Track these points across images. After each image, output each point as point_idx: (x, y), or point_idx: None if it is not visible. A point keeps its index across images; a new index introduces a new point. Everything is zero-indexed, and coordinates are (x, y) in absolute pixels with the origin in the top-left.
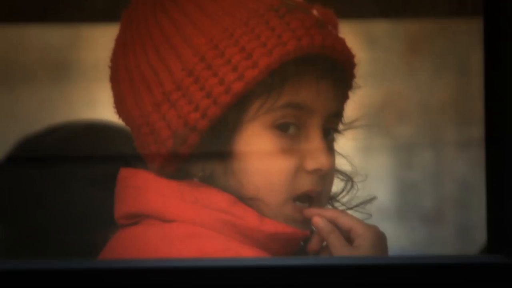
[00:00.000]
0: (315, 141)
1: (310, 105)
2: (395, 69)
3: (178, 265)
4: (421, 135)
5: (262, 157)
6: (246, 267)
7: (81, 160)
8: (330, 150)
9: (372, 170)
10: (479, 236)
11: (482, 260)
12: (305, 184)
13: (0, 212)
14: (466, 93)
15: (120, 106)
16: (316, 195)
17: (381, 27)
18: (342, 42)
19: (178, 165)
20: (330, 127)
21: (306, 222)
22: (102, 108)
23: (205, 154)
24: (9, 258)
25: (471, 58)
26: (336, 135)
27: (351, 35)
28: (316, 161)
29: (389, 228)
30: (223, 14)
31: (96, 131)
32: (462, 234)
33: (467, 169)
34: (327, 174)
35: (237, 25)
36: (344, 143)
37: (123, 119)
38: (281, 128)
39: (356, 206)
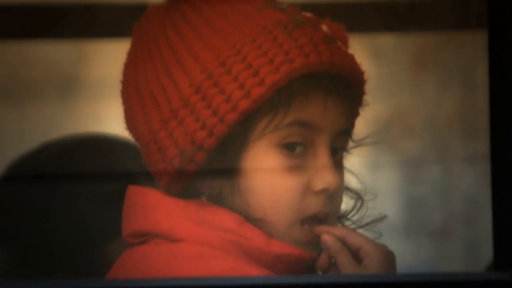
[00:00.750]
0: (322, 160)
1: (317, 123)
2: (401, 83)
3: (185, 284)
4: (428, 150)
5: (269, 176)
6: (253, 286)
7: (83, 177)
8: (338, 169)
9: (379, 186)
10: (486, 251)
11: (488, 277)
12: (313, 205)
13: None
14: (473, 107)
15: (129, 122)
16: (324, 216)
17: (386, 41)
18: (351, 58)
19: (185, 183)
20: (338, 146)
21: (314, 244)
22: (109, 124)
23: (212, 173)
24: (12, 279)
25: (477, 71)
26: (345, 153)
27: (357, 49)
28: (324, 181)
29: (396, 244)
30: (232, 29)
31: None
32: (470, 250)
33: (474, 184)
34: (335, 194)
35: (245, 41)
36: (353, 160)
37: (133, 135)
38: (288, 147)
39: (366, 225)
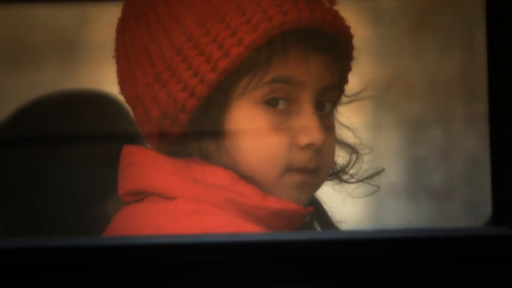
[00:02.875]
0: (306, 116)
1: (299, 78)
2: (401, 45)
3: (183, 241)
4: (428, 111)
5: (253, 134)
6: (252, 242)
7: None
8: (325, 123)
9: (380, 146)
10: (486, 210)
11: (487, 232)
12: (299, 160)
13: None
14: (472, 68)
15: (120, 86)
16: (312, 169)
17: (386, 3)
18: (334, 14)
19: (172, 145)
20: (326, 100)
21: (309, 189)
22: (108, 87)
23: (197, 133)
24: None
25: (476, 33)
26: (337, 108)
27: (357, 11)
28: (308, 136)
29: (397, 204)
30: None
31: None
32: (469, 208)
33: (473, 143)
34: (323, 148)
35: (224, 1)
36: (351, 116)
37: (124, 99)
38: (270, 103)
39: (365, 179)
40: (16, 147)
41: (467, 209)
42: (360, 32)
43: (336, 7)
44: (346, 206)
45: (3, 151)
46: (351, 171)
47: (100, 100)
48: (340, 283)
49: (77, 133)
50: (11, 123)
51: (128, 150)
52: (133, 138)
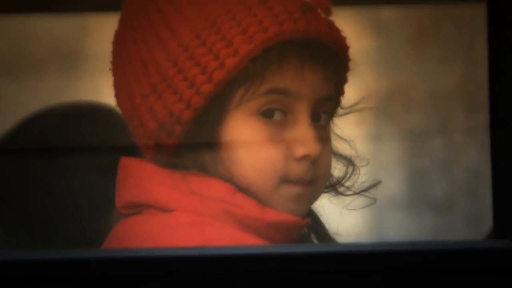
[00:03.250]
0: (302, 127)
1: (294, 90)
2: (402, 56)
3: (182, 253)
4: (429, 122)
5: (249, 145)
6: (252, 254)
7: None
8: (321, 134)
9: (381, 158)
10: (487, 222)
11: (488, 245)
12: (295, 172)
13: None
14: (473, 79)
15: (116, 98)
16: (308, 181)
17: (387, 14)
18: (329, 25)
19: (169, 157)
20: (322, 111)
21: (305, 198)
22: (109, 98)
23: (193, 145)
24: (13, 248)
25: (477, 43)
26: (334, 120)
27: (358, 21)
28: (304, 147)
29: (397, 216)
30: (207, 1)
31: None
32: (471, 220)
33: (474, 155)
34: (319, 160)
35: (220, 12)
36: (351, 128)
37: (121, 112)
38: (266, 114)
39: (362, 191)
40: (18, 158)
41: (468, 221)
42: (361, 42)
43: (334, 18)
44: (345, 218)
45: (6, 162)
46: (347, 183)
47: (101, 111)
48: None
49: (79, 145)
50: (14, 134)
51: (126, 162)
52: (134, 149)
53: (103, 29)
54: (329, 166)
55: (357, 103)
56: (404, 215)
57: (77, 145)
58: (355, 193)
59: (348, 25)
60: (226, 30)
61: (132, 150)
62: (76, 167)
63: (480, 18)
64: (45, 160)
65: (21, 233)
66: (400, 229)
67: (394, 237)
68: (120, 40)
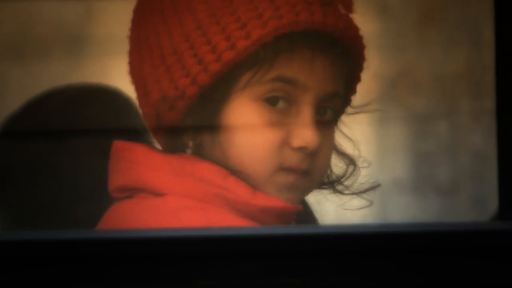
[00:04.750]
0: (304, 118)
1: (302, 81)
2: (408, 39)
3: (174, 234)
4: (435, 106)
5: (248, 129)
6: (241, 236)
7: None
8: (322, 129)
9: (386, 141)
10: (493, 205)
11: (493, 226)
12: (291, 160)
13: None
14: (479, 63)
15: (129, 66)
16: (303, 171)
17: None
18: (348, 21)
19: (168, 134)
20: (327, 106)
21: (300, 190)
22: (115, 81)
23: (194, 122)
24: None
25: (484, 27)
26: (341, 118)
27: (364, 5)
28: (302, 139)
29: (403, 200)
30: None
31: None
32: (476, 204)
33: (480, 139)
34: (317, 153)
35: None
36: (360, 117)
37: (130, 79)
38: (269, 101)
39: (359, 192)
40: (24, 141)
41: (473, 204)
42: (366, 26)
43: (352, 15)
44: (354, 203)
45: (11, 144)
46: (346, 182)
47: (107, 94)
48: (344, 276)
49: (84, 127)
50: (19, 117)
51: (118, 146)
52: (140, 132)
53: (109, 12)
54: (327, 160)
55: (367, 104)
56: (409, 198)
57: (83, 128)
58: (353, 193)
59: (356, 9)
60: (242, 12)
61: (137, 133)
62: (81, 149)
63: (487, 1)
64: (50, 143)
65: (25, 215)
66: (405, 212)
67: (399, 219)
68: (139, 9)
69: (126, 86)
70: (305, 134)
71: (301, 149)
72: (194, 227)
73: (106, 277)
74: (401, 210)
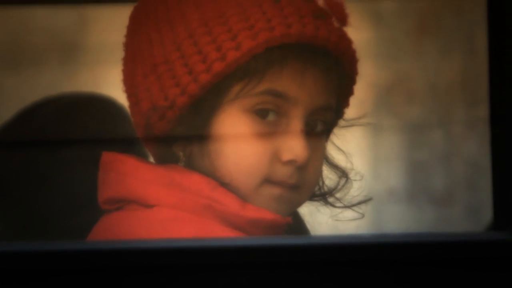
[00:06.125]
0: (293, 132)
1: (292, 94)
2: (402, 48)
3: (160, 246)
4: (429, 115)
5: (237, 141)
6: (231, 247)
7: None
8: (313, 142)
9: (380, 150)
10: (487, 215)
11: (488, 237)
12: (280, 174)
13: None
14: (473, 71)
15: (122, 73)
16: (292, 185)
17: (387, 6)
18: (340, 35)
19: (158, 144)
20: (319, 119)
21: (288, 202)
22: (108, 89)
23: (184, 132)
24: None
25: (478, 36)
26: (334, 131)
27: (358, 13)
28: (291, 152)
29: (397, 209)
30: None
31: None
32: (471, 213)
33: (474, 147)
34: (307, 167)
35: (230, 5)
36: (352, 138)
37: (123, 87)
38: (259, 113)
39: (351, 205)
40: (17, 150)
41: (467, 214)
42: (360, 35)
43: (346, 29)
44: (345, 215)
45: (4, 154)
46: (338, 195)
47: (101, 103)
48: (339, 287)
49: (78, 136)
50: (12, 126)
51: (108, 158)
52: (133, 142)
53: (103, 20)
54: (317, 174)
55: (360, 117)
56: (404, 208)
57: (76, 137)
58: (345, 206)
59: (350, 22)
60: (234, 23)
61: (131, 142)
62: (75, 159)
63: (480, 10)
64: (43, 152)
65: (19, 225)
66: (399, 221)
67: (393, 229)
68: (135, 16)
69: (119, 95)
70: (294, 148)
71: (290, 162)
72: (184, 238)
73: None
74: (396, 220)
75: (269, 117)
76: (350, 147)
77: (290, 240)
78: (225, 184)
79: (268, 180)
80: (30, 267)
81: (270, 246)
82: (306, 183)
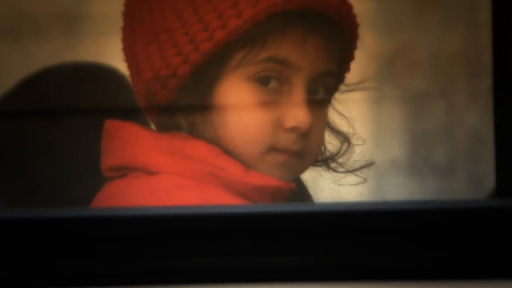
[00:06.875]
0: (296, 98)
1: (294, 61)
2: (404, 18)
3: (164, 213)
4: (432, 85)
5: (240, 109)
6: (235, 214)
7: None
8: (315, 109)
9: (382, 120)
10: (489, 185)
11: (491, 204)
12: (283, 141)
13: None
14: (476, 42)
15: (122, 42)
16: (296, 152)
17: None
18: (341, 0)
19: (160, 112)
20: (320, 85)
21: (292, 168)
22: (111, 60)
23: (187, 101)
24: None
25: (481, 7)
26: (335, 96)
27: None
28: (294, 118)
29: (400, 180)
30: None
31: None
32: (473, 183)
33: (477, 118)
34: (310, 133)
35: None
36: (355, 97)
37: (123, 56)
38: (261, 81)
39: (353, 170)
40: (20, 119)
41: (470, 184)
42: (362, 5)
43: None
44: (348, 180)
45: (5, 124)
46: (340, 160)
47: (102, 72)
48: (343, 254)
49: (80, 106)
50: (15, 95)
51: (111, 125)
52: (135, 111)
53: None
54: (321, 140)
55: (361, 82)
56: (406, 178)
57: (78, 106)
58: (347, 171)
59: None
60: None
61: (132, 112)
62: (76, 128)
63: None
64: (45, 121)
65: (20, 194)
66: (401, 191)
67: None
68: None
69: (121, 65)
70: (297, 114)
71: (293, 129)
72: (187, 205)
73: (98, 255)
74: (398, 190)
75: (271, 84)
76: (353, 116)
77: (293, 207)
78: (228, 151)
79: (272, 148)
80: (32, 233)
81: (272, 213)
82: (309, 149)
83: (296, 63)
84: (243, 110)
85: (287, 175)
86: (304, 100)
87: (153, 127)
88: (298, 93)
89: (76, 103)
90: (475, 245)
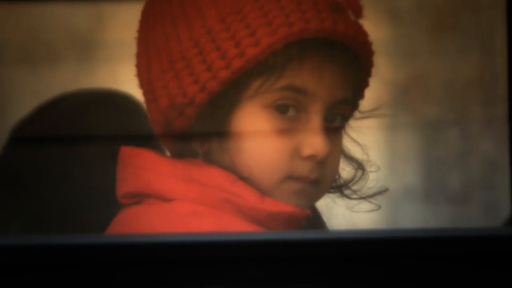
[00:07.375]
0: (313, 127)
1: (311, 89)
2: (420, 45)
3: (179, 240)
4: (447, 113)
5: (257, 137)
6: (250, 242)
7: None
8: (331, 136)
9: (397, 147)
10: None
11: (506, 232)
12: (300, 170)
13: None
14: (491, 70)
15: (136, 69)
16: (312, 180)
17: (405, 2)
18: (357, 28)
19: (176, 140)
20: (337, 113)
21: (308, 196)
22: (125, 86)
23: (203, 129)
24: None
25: (496, 34)
26: (349, 123)
27: (376, 10)
28: (312, 147)
29: (414, 208)
30: None
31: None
32: (488, 212)
33: (492, 146)
34: (327, 161)
35: (248, 0)
36: (370, 124)
37: (138, 83)
38: (279, 109)
39: (367, 197)
40: (35, 146)
41: (484, 212)
42: (378, 32)
43: (362, 21)
44: (362, 207)
45: (22, 150)
46: (354, 187)
47: (118, 99)
48: (357, 282)
49: (95, 133)
50: (30, 122)
51: (126, 152)
52: (150, 137)
53: (119, 17)
54: (336, 168)
55: (375, 109)
56: (420, 205)
57: (93, 133)
58: (361, 198)
59: (366, 14)
60: (252, 19)
61: (148, 138)
62: (91, 155)
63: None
64: (60, 148)
65: (35, 220)
66: (416, 219)
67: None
68: (147, 10)
69: (136, 91)
70: (314, 142)
71: (310, 157)
72: (203, 232)
73: (113, 282)
74: (412, 218)
75: (289, 112)
76: (367, 142)
77: (308, 235)
78: (244, 178)
79: (289, 176)
80: (46, 260)
81: (287, 241)
82: (325, 177)
83: (313, 91)
84: (260, 138)
85: (303, 202)
86: (321, 128)
87: (168, 153)
88: (315, 121)
89: (91, 130)
90: (491, 274)
